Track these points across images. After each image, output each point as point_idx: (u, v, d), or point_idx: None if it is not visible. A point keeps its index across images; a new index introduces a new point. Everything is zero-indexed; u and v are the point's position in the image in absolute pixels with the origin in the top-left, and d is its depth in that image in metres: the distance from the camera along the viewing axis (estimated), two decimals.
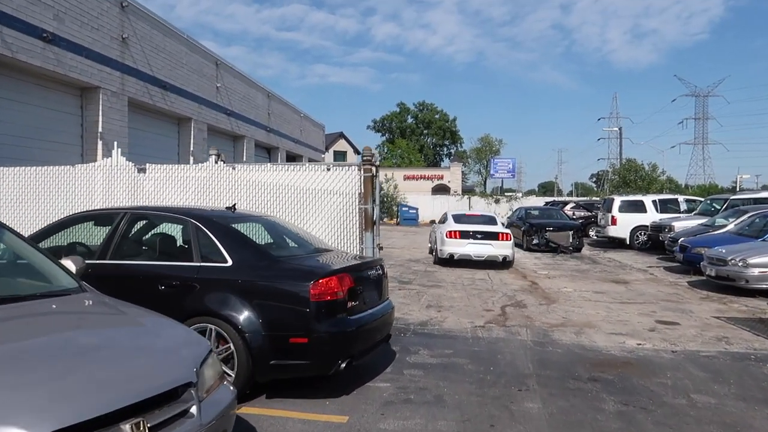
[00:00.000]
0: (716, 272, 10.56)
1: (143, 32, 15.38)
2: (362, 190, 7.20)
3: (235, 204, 5.92)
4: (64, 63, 12.20)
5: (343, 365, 4.55)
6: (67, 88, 13.16)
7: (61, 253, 4.96)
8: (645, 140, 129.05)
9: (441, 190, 47.85)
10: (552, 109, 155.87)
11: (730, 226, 13.50)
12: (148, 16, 15.69)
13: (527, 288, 10.98)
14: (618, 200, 20.85)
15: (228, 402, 3.01)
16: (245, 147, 23.69)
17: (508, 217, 25.96)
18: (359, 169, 7.22)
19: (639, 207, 20.14)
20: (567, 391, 5.00)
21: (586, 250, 19.17)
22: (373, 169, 7.23)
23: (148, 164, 8.05)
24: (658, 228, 17.79)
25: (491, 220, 15.52)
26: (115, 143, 9.07)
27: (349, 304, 4.68)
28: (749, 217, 13.16)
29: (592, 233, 23.98)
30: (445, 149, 76.55)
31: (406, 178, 47.71)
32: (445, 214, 16.69)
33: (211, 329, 4.52)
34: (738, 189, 36.48)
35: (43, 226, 6.21)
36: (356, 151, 56.20)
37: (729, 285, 10.33)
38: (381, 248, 7.48)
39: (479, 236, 14.09)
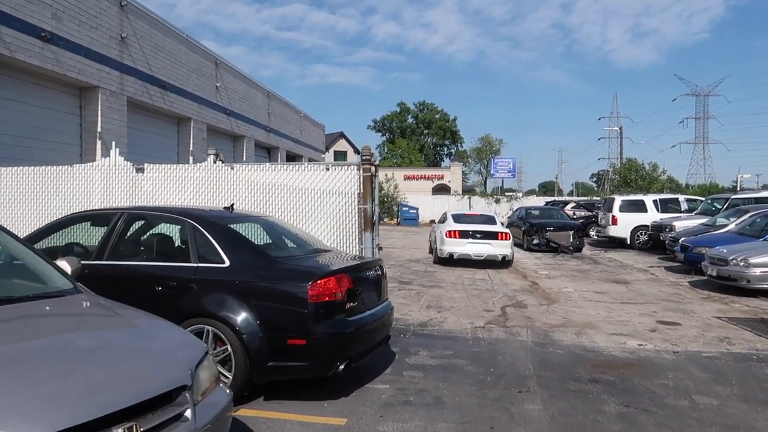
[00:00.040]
0: (717, 272, 10.51)
1: (142, 31, 15.34)
2: (361, 190, 7.15)
3: (232, 204, 5.87)
4: (63, 62, 12.16)
5: (342, 367, 4.51)
6: (65, 88, 13.11)
7: (58, 253, 4.94)
8: (645, 140, 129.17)
9: (441, 190, 47.81)
10: (552, 108, 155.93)
11: (731, 226, 13.45)
12: (147, 15, 15.65)
13: (528, 288, 10.94)
14: (618, 200, 20.80)
15: (224, 405, 2.96)
16: (245, 147, 23.65)
17: (508, 217, 25.92)
18: (358, 169, 7.18)
19: (640, 207, 20.09)
20: (568, 393, 4.96)
21: (586, 250, 19.13)
22: (373, 168, 7.19)
23: (146, 164, 8.01)
24: (658, 228, 17.74)
25: (490, 220, 15.59)
26: (113, 143, 9.04)
27: (348, 305, 4.64)
28: (750, 216, 13.11)
29: (592, 233, 23.94)
30: (445, 149, 76.56)
31: (407, 178, 47.69)
32: (445, 213, 16.75)
33: (208, 330, 4.48)
34: (739, 188, 36.42)
35: (40, 227, 6.17)
36: (356, 151, 56.17)
37: (730, 285, 10.28)
38: (380, 248, 7.44)
39: (478, 236, 14.18)
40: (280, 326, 4.44)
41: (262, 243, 5.50)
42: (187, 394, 2.67)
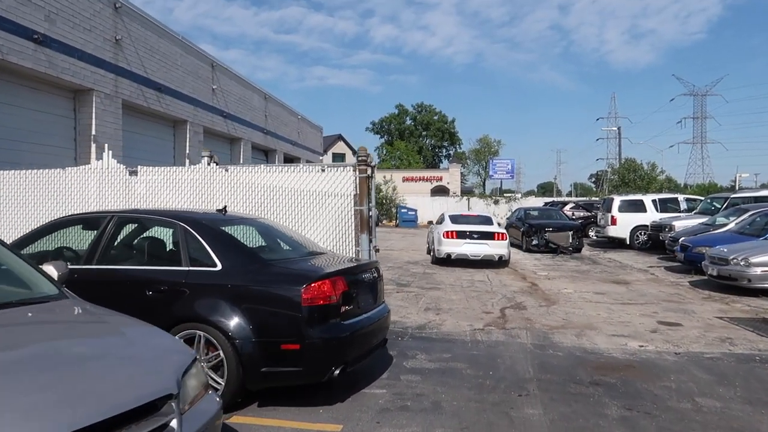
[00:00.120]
0: (718, 272, 10.44)
1: (137, 34, 15.23)
2: (357, 191, 7.06)
3: (225, 206, 5.78)
4: (56, 65, 12.04)
5: (337, 372, 4.41)
6: (59, 91, 12.99)
7: (48, 257, 4.83)
8: (644, 140, 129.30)
9: (440, 191, 47.73)
10: (551, 109, 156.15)
11: (731, 225, 13.39)
12: (141, 17, 15.54)
13: (527, 289, 10.85)
14: (618, 200, 20.73)
15: (212, 414, 2.86)
16: (242, 149, 23.54)
17: (507, 218, 25.84)
18: (354, 170, 7.09)
19: (639, 206, 20.02)
20: (568, 396, 4.87)
21: (585, 251, 19.06)
22: (369, 169, 7.11)
23: (139, 167, 7.91)
24: (658, 227, 17.66)
25: (487, 221, 15.69)
26: (106, 146, 8.95)
27: (343, 309, 4.54)
28: (750, 215, 13.05)
29: (591, 233, 23.86)
30: (443, 150, 76.53)
31: (405, 179, 47.62)
32: (443, 214, 16.82)
33: (200, 336, 4.38)
34: (737, 188, 36.38)
35: (28, 231, 6.06)
36: (355, 153, 56.01)
37: (731, 285, 10.21)
38: (377, 250, 7.35)
39: (475, 236, 14.32)
40: (273, 331, 4.34)
41: (255, 246, 5.41)
42: (173, 404, 2.57)
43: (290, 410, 4.45)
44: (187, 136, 18.44)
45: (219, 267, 4.59)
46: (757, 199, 16.21)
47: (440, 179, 50.18)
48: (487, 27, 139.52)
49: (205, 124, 19.77)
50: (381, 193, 38.45)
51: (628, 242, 19.68)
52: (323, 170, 7.31)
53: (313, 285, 4.34)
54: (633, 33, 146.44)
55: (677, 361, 5.99)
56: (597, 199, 33.77)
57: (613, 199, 21.04)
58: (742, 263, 9.92)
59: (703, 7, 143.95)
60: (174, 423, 2.52)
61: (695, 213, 17.89)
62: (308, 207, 7.28)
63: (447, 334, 7.14)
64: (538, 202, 39.83)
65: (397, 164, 59.78)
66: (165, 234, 5.33)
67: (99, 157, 8.33)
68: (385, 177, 40.95)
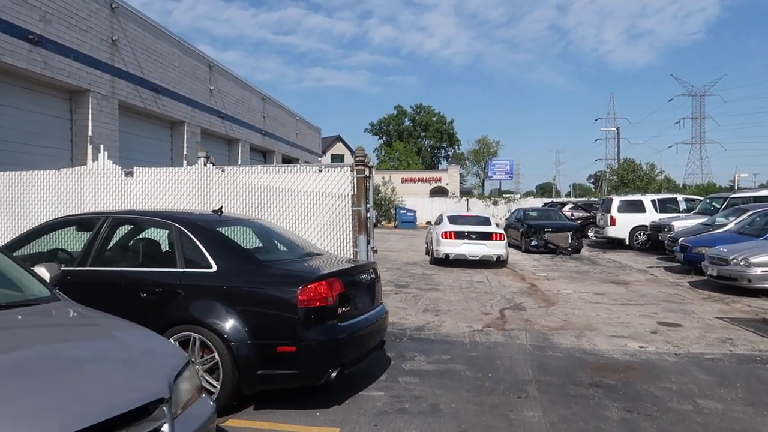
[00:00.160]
0: (718, 272, 10.39)
1: (134, 34, 15.16)
2: (355, 192, 7.00)
3: (221, 207, 5.72)
4: (52, 65, 11.98)
5: (334, 374, 4.35)
6: (55, 91, 12.92)
7: (42, 259, 4.78)
8: (642, 140, 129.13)
9: (439, 192, 47.71)
10: (549, 110, 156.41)
11: (731, 225, 13.35)
12: (138, 17, 15.47)
13: (526, 290, 10.80)
14: (617, 200, 20.68)
15: (205, 418, 2.80)
16: (240, 150, 23.49)
17: (506, 219, 25.80)
18: (352, 170, 7.03)
19: (638, 207, 19.98)
20: (568, 398, 4.81)
21: (585, 251, 19.01)
22: (366, 169, 7.05)
23: (135, 167, 7.85)
24: (657, 228, 17.63)
25: (485, 221, 15.74)
26: (102, 146, 8.89)
27: (340, 310, 4.48)
28: (750, 215, 13.01)
29: (591, 234, 23.81)
30: (442, 151, 76.52)
31: (404, 180, 47.61)
32: (441, 215, 16.86)
33: (195, 338, 4.32)
34: (736, 188, 36.36)
35: (22, 232, 6.00)
36: (354, 154, 56.01)
37: (731, 285, 10.16)
38: (375, 251, 7.29)
39: (474, 236, 14.39)
40: (269, 333, 4.28)
41: (251, 247, 5.36)
42: (164, 408, 2.51)
43: (287, 413, 4.40)
44: (185, 137, 18.38)
45: (214, 268, 4.53)
46: (756, 199, 16.17)
47: (439, 180, 50.17)
48: (486, 28, 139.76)
49: (202, 125, 19.71)
50: (380, 194, 38.41)
51: (627, 242, 19.64)
52: (320, 171, 7.25)
53: (309, 286, 4.29)
54: (631, 33, 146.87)
55: (677, 362, 5.94)
56: (596, 199, 33.76)
57: (612, 200, 21.00)
58: (742, 263, 9.88)
59: (701, 8, 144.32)
60: (165, 427, 2.46)
61: (694, 213, 17.84)
62: (305, 208, 7.23)
63: (446, 336, 7.08)
64: (537, 202, 39.83)
65: (395, 165, 59.75)
66: (160, 235, 5.27)
67: (96, 158, 8.28)
68: (383, 178, 40.92)
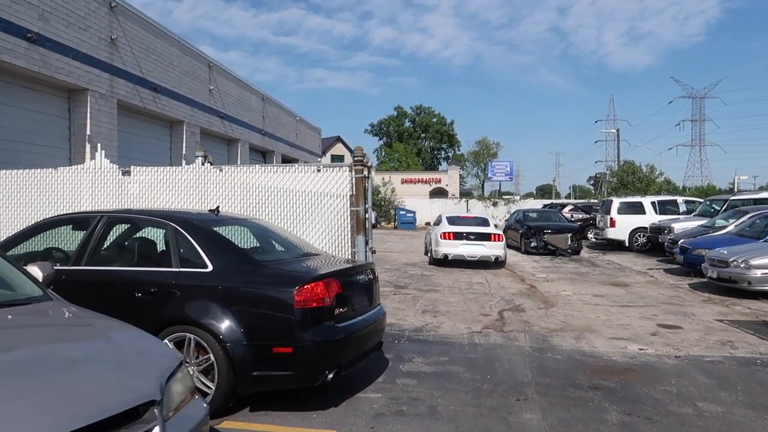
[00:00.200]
0: (718, 274, 10.34)
1: (133, 33, 15.13)
2: (353, 192, 6.96)
3: (218, 206, 5.66)
4: (50, 64, 11.94)
5: (331, 376, 4.30)
6: (54, 90, 12.89)
7: (37, 258, 4.74)
8: (642, 142, 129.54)
9: (439, 193, 47.68)
10: (549, 111, 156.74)
11: (731, 227, 13.29)
12: (137, 16, 15.44)
13: (525, 292, 10.75)
14: (617, 202, 20.61)
15: (198, 420, 2.75)
16: (239, 150, 23.45)
17: (506, 220, 25.75)
18: (350, 170, 6.99)
19: (638, 208, 19.91)
20: (567, 401, 4.76)
21: (584, 253, 18.97)
22: (365, 169, 7.00)
23: (132, 167, 7.82)
24: (657, 230, 17.57)
25: (484, 222, 15.80)
26: (99, 145, 8.85)
27: (337, 311, 4.44)
28: (750, 217, 12.96)
29: (590, 235, 23.74)
30: (442, 153, 76.49)
31: (404, 181, 47.58)
32: (440, 216, 16.89)
33: (190, 338, 4.27)
34: (736, 190, 36.34)
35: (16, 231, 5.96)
36: (352, 154, 55.98)
37: (731, 287, 10.11)
38: (374, 252, 7.25)
39: (472, 237, 14.47)
40: (265, 334, 4.23)
41: (248, 246, 5.30)
42: (155, 410, 2.46)
43: (283, 415, 4.35)
44: (184, 136, 18.35)
45: (210, 268, 4.48)
46: (756, 201, 16.13)
47: (439, 181, 50.15)
48: (486, 29, 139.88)
49: (201, 124, 19.66)
50: (380, 195, 38.38)
51: (627, 244, 19.58)
52: (319, 170, 7.21)
53: (306, 287, 4.24)
54: (631, 35, 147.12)
55: (677, 365, 5.89)
56: (596, 201, 33.72)
57: (612, 201, 20.93)
58: (742, 265, 9.83)
59: (701, 10, 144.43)
60: (156, 430, 2.41)
61: (694, 215, 17.79)
62: (304, 208, 7.18)
63: (444, 337, 7.03)
64: (536, 204, 39.86)
65: (395, 166, 59.72)
66: (155, 234, 5.23)
67: (94, 157, 8.24)
68: (383, 179, 40.89)
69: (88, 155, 12.61)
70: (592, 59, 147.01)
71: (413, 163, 62.56)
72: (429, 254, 15.94)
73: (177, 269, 4.57)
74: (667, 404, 4.70)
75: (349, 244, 6.99)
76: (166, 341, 4.27)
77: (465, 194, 51.43)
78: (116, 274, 4.81)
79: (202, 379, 4.22)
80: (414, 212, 37.79)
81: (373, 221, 6.90)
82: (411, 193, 44.45)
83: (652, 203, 20.05)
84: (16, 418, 2.02)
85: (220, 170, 7.52)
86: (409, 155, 64.23)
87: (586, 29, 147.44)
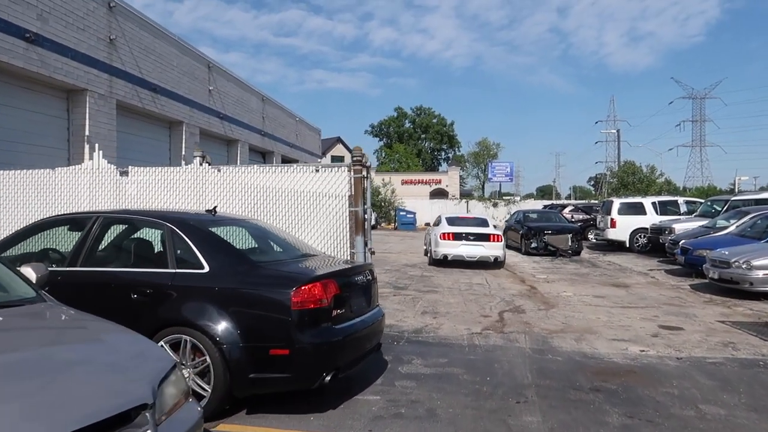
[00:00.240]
0: (719, 275, 10.28)
1: (132, 33, 15.09)
2: (352, 192, 6.91)
3: (215, 207, 5.62)
4: (49, 64, 11.89)
5: (328, 378, 4.25)
6: (52, 91, 12.84)
7: (33, 259, 4.68)
8: (643, 143, 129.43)
9: (439, 194, 47.65)
10: (550, 112, 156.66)
11: (732, 228, 13.23)
12: (136, 17, 15.40)
13: (526, 293, 10.70)
14: (617, 202, 20.55)
15: (191, 424, 2.70)
16: (239, 151, 23.41)
17: (506, 221, 25.70)
18: (349, 170, 6.94)
19: (638, 209, 19.85)
20: (568, 403, 4.71)
21: (585, 254, 18.91)
22: (364, 170, 6.95)
23: (130, 167, 7.77)
24: (658, 230, 17.51)
25: (483, 223, 15.84)
26: (96, 145, 8.81)
27: (335, 313, 4.38)
28: (751, 218, 12.89)
29: (591, 236, 23.70)
30: (443, 153, 76.47)
31: (404, 182, 47.55)
32: (439, 216, 16.94)
33: (186, 340, 4.22)
34: (736, 191, 36.27)
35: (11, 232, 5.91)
36: (351, 154, 55.95)
37: (733, 288, 10.05)
38: (373, 252, 7.20)
39: (471, 237, 14.56)
40: (262, 335, 4.18)
41: (246, 247, 5.26)
42: (147, 414, 2.41)
43: (280, 418, 4.30)
44: (183, 137, 18.30)
45: (206, 269, 4.43)
46: (757, 202, 16.06)
47: (439, 182, 50.13)
48: (486, 30, 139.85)
49: (201, 125, 19.62)
50: (380, 196, 38.35)
51: (627, 245, 19.52)
52: (317, 170, 7.17)
53: (303, 288, 4.19)
54: (632, 35, 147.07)
55: (679, 367, 5.83)
56: (596, 201, 33.66)
57: (612, 202, 20.87)
58: (743, 266, 9.77)
59: (701, 10, 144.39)
60: None
61: (695, 216, 17.73)
62: (302, 208, 7.13)
63: (444, 339, 6.98)
64: (537, 204, 39.82)
65: (396, 167, 59.69)
66: (151, 235, 5.18)
67: (92, 158, 8.20)
68: (384, 180, 40.87)
69: (86, 156, 12.56)
70: (592, 60, 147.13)
71: (413, 164, 62.53)
72: (429, 255, 15.97)
73: (173, 270, 4.52)
74: (669, 407, 4.65)
75: (348, 245, 6.94)
76: (162, 343, 4.22)
77: (465, 195, 51.40)
78: (112, 275, 4.76)
79: (199, 382, 4.17)
80: (414, 213, 37.74)
81: (373, 222, 6.84)
82: (411, 194, 44.41)
83: (653, 204, 19.99)
84: (6, 421, 1.98)
85: (218, 170, 7.47)
86: (409, 156, 64.20)
87: (587, 30, 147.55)
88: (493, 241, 14.63)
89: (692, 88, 78.47)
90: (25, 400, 2.12)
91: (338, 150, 58.74)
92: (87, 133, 13.13)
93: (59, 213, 7.23)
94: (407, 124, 74.46)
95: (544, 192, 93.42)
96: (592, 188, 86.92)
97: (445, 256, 14.44)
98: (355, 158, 6.94)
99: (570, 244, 18.00)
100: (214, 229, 4.95)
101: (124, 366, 2.65)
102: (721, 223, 14.45)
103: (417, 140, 73.01)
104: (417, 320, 8.01)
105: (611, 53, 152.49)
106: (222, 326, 4.18)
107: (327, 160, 50.76)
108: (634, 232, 19.41)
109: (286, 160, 30.16)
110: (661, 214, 19.32)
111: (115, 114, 14.30)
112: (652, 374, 5.55)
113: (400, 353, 6.20)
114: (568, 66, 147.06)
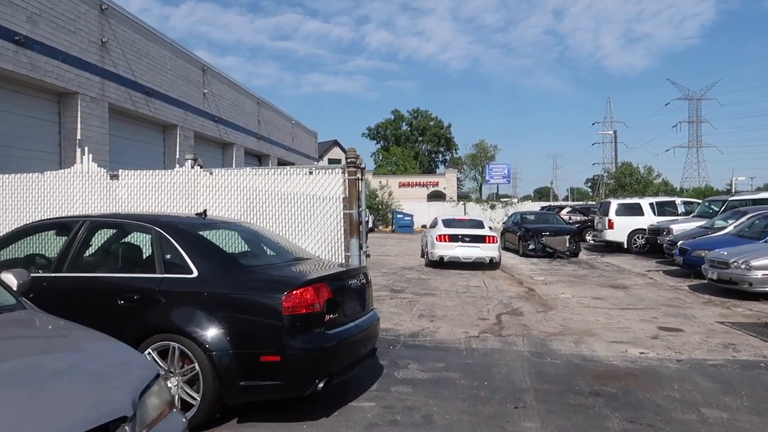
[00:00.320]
0: (718, 275, 10.20)
1: (124, 36, 14.95)
2: (347, 194, 6.80)
3: (205, 210, 5.50)
4: (39, 67, 11.75)
5: (321, 385, 4.13)
6: (43, 94, 12.69)
7: (19, 265, 4.56)
8: (640, 144, 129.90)
9: (436, 196, 47.58)
10: (546, 114, 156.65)
11: (730, 228, 13.17)
12: (129, 19, 15.26)
13: (524, 295, 10.60)
14: (615, 203, 20.48)
15: None
16: (234, 154, 23.27)
17: (503, 223, 25.62)
18: (343, 172, 6.83)
19: (636, 210, 19.79)
20: (567, 408, 4.61)
21: (583, 255, 18.83)
22: (358, 171, 6.85)
23: (120, 170, 7.65)
24: (656, 231, 17.44)
25: (479, 224, 15.94)
26: (86, 149, 8.65)
27: (327, 317, 4.27)
28: (749, 218, 12.83)
29: (588, 237, 23.62)
30: (440, 156, 76.43)
31: (401, 185, 47.45)
32: (436, 218, 17.03)
33: (174, 347, 4.10)
34: (733, 191, 36.29)
35: None
36: (345, 156, 55.85)
37: (732, 288, 9.98)
38: (368, 256, 7.09)
39: (467, 239, 14.74)
40: (252, 342, 4.06)
41: (237, 251, 5.13)
42: (126, 427, 2.29)
43: (271, 426, 4.18)
44: (177, 140, 18.15)
45: (195, 274, 4.32)
46: (755, 202, 16.02)
47: (436, 184, 50.07)
48: (483, 32, 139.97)
49: (195, 128, 19.48)
50: (377, 199, 38.23)
51: (625, 246, 19.45)
52: (311, 172, 7.05)
53: (294, 292, 4.08)
54: (628, 37, 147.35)
55: (680, 369, 5.74)
56: (594, 203, 33.61)
57: (610, 203, 20.81)
58: (742, 266, 9.69)
59: (697, 12, 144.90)
60: None
61: (693, 216, 17.68)
62: (295, 211, 7.02)
63: (441, 342, 6.87)
64: (534, 206, 39.74)
65: (393, 170, 59.62)
66: (139, 239, 5.05)
67: (83, 161, 8.06)
68: (381, 182, 40.76)
69: (78, 159, 12.40)
70: (589, 62, 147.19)
71: (411, 166, 62.47)
72: (425, 257, 16.02)
73: (161, 275, 4.40)
74: (670, 410, 4.55)
75: (342, 248, 6.83)
76: (150, 350, 4.11)
77: (463, 197, 51.34)
78: (98, 281, 4.63)
79: (188, 390, 4.05)
80: (411, 216, 37.62)
81: (370, 225, 6.72)
82: (408, 196, 44.30)
83: (651, 205, 19.94)
84: None
85: (210, 173, 7.35)
86: (406, 159, 64.14)
87: (583, 32, 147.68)
88: (489, 242, 14.79)
89: (688, 89, 78.46)
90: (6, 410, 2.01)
91: (335, 153, 58.62)
92: (79, 136, 12.98)
93: (47, 217, 7.11)
94: (404, 127, 74.42)
95: (541, 194, 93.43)
96: (589, 190, 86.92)
97: (442, 258, 14.57)
98: (349, 160, 6.83)
99: (568, 245, 17.92)
100: (203, 233, 4.83)
101: (104, 376, 2.53)
102: (719, 223, 14.39)
103: (414, 143, 72.99)
104: (414, 324, 7.90)
105: (608, 55, 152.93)
106: (211, 332, 4.06)
107: (324, 163, 50.66)
108: (632, 233, 19.34)
109: (282, 164, 30.02)
110: (659, 214, 19.27)
111: (107, 117, 14.15)
112: (652, 377, 5.45)
113: (396, 358, 6.09)
114: (564, 68, 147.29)
